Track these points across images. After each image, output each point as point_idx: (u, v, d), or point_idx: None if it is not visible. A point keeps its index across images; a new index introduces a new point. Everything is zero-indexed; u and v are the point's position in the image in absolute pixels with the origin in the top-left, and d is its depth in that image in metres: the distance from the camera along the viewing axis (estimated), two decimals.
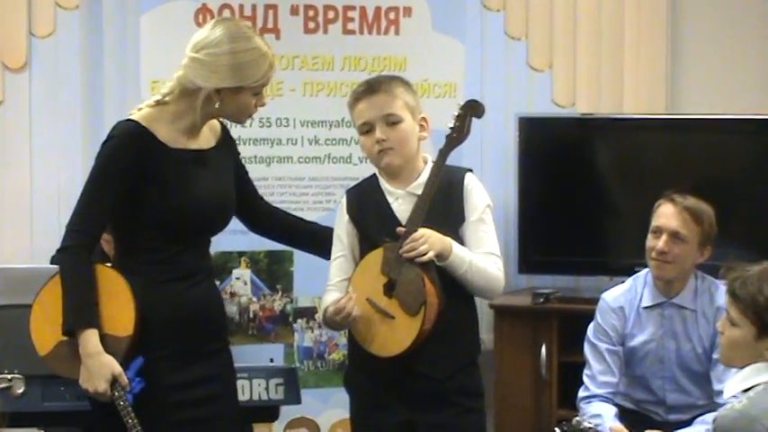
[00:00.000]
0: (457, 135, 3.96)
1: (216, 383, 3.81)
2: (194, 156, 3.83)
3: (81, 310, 3.64)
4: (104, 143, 3.79)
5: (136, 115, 3.83)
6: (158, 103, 3.81)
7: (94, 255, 3.81)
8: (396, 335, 3.87)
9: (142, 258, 3.80)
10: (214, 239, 4.02)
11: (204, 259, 3.95)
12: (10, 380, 3.98)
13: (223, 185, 3.91)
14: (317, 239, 4.18)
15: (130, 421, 3.59)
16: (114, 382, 3.60)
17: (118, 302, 3.72)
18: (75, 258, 3.70)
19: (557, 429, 4.24)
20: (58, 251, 3.72)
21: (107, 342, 3.65)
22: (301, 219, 4.26)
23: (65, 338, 3.65)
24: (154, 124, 3.80)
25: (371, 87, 4.00)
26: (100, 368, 3.61)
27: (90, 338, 3.61)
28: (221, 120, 3.97)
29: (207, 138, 3.91)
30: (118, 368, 3.61)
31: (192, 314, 3.79)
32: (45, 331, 3.73)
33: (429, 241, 3.83)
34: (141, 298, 3.72)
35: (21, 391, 4.00)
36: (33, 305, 3.77)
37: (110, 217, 3.79)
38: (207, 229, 3.91)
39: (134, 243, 3.82)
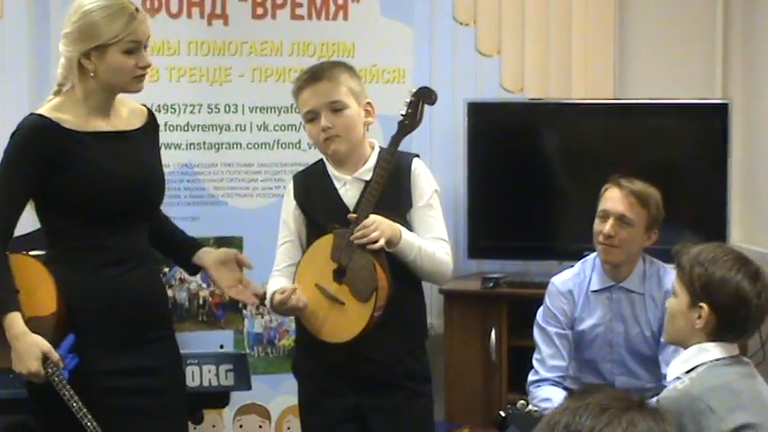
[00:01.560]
0: (410, 122, 3.95)
1: (156, 375, 3.77)
2: (106, 137, 3.82)
3: (0, 297, 3.65)
4: (11, 139, 3.81)
5: (42, 108, 3.84)
6: (59, 92, 3.83)
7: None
8: (346, 321, 3.88)
9: (69, 245, 3.80)
10: None
11: (139, 243, 3.88)
12: None
13: (143, 166, 3.86)
14: (179, 251, 4.14)
15: (67, 394, 3.59)
16: (46, 360, 3.59)
17: (37, 285, 3.74)
18: None
19: (501, 413, 4.28)
20: None
21: (33, 324, 3.65)
22: (176, 230, 4.14)
23: None
24: (58, 113, 3.81)
25: (315, 75, 4.00)
26: (28, 348, 3.60)
27: (14, 321, 3.62)
28: (147, 106, 3.97)
29: (127, 120, 3.91)
30: (46, 345, 3.60)
31: (125, 300, 3.77)
32: None
33: (380, 228, 3.84)
34: (71, 285, 3.72)
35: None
36: None
37: (22, 210, 3.80)
38: (126, 208, 3.83)
39: (59, 232, 3.82)
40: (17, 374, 3.80)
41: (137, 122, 3.92)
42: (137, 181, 3.82)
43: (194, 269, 4.12)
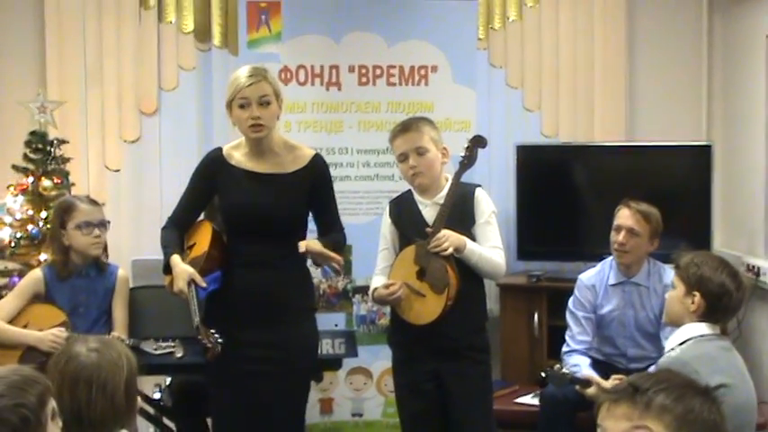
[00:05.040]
0: (467, 162, 3.98)
1: (275, 348, 3.78)
2: (246, 174, 3.84)
3: (165, 254, 3.82)
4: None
5: (228, 144, 3.95)
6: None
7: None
8: (427, 309, 3.89)
9: (227, 243, 3.91)
10: None
11: (266, 252, 3.83)
12: (173, 346, 4.02)
13: (265, 200, 3.81)
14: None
15: (194, 307, 3.66)
16: (191, 283, 3.67)
17: (201, 238, 3.88)
18: (164, 231, 3.90)
19: (542, 374, 4.28)
20: (161, 229, 3.94)
21: (193, 262, 3.77)
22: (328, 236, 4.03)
23: (170, 276, 3.79)
24: (233, 150, 3.89)
25: (405, 127, 4.01)
26: (179, 273, 3.71)
27: (174, 260, 3.76)
28: (318, 157, 3.94)
29: (281, 163, 3.88)
30: (193, 272, 3.71)
31: (247, 292, 3.80)
32: (166, 278, 3.86)
33: (449, 240, 3.85)
34: (229, 275, 3.82)
35: (180, 355, 4.03)
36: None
37: (195, 210, 3.97)
38: (246, 227, 3.84)
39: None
40: (194, 346, 3.90)
41: (290, 167, 3.87)
42: (254, 211, 3.81)
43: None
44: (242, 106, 3.74)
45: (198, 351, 3.93)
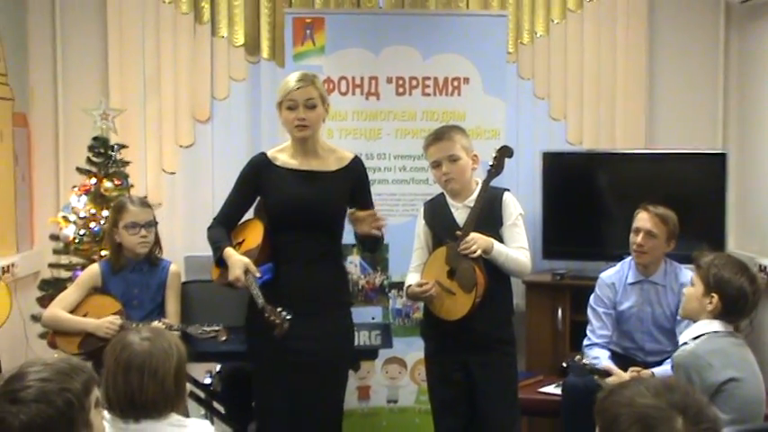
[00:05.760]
0: (495, 170, 4.00)
1: (311, 340, 3.79)
2: (292, 173, 3.88)
3: (216, 248, 3.84)
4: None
5: (272, 148, 4.01)
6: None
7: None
8: (457, 306, 3.92)
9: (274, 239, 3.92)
10: None
11: (309, 247, 3.87)
12: (217, 330, 4.06)
13: (312, 196, 3.85)
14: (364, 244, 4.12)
15: (255, 292, 3.71)
16: (247, 272, 3.71)
17: (254, 232, 3.91)
18: (211, 230, 3.93)
19: (564, 365, 4.28)
20: (207, 229, 3.97)
21: (248, 254, 3.80)
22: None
23: (220, 268, 3.84)
24: (278, 153, 3.94)
25: (438, 135, 4.04)
26: (236, 262, 3.74)
27: (228, 252, 3.79)
28: (357, 159, 4.01)
29: (325, 162, 3.93)
30: (248, 261, 3.75)
31: (290, 286, 3.83)
32: (214, 269, 3.91)
33: (478, 243, 3.87)
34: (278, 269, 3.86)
35: (223, 338, 4.07)
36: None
37: (240, 210, 3.99)
38: (292, 222, 3.86)
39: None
40: (239, 334, 3.96)
41: (333, 166, 3.93)
42: (296, 207, 3.84)
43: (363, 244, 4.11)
44: (290, 108, 3.81)
45: (242, 340, 4.00)
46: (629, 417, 1.99)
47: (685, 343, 3.45)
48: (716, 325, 3.44)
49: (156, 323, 4.02)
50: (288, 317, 3.62)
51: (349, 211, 3.90)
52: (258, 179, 3.91)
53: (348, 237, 4.12)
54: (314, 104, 3.82)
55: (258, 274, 3.73)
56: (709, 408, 2.03)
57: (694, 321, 3.53)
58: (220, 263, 3.83)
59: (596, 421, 2.06)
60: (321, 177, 3.89)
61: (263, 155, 3.96)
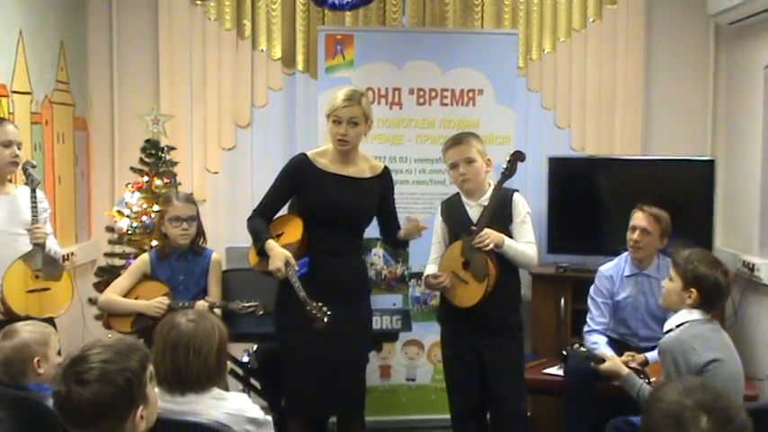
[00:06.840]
0: (508, 173, 3.99)
1: (337, 322, 3.75)
2: (333, 176, 3.89)
3: (259, 238, 3.82)
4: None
5: (313, 149, 4.00)
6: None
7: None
8: (470, 294, 3.93)
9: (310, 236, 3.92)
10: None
11: (340, 243, 3.90)
12: (255, 305, 4.09)
13: (351, 199, 3.89)
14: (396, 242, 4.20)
15: (296, 284, 3.70)
16: (287, 264, 3.71)
17: (294, 228, 3.90)
18: (252, 220, 3.90)
19: (564, 351, 4.29)
20: (247, 219, 3.95)
21: (288, 248, 3.80)
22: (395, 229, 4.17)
23: (260, 257, 3.83)
24: (318, 156, 3.94)
25: (456, 140, 4.05)
26: (277, 255, 3.75)
27: (269, 244, 3.79)
28: (387, 169, 4.05)
29: (361, 170, 3.97)
30: (288, 254, 3.76)
31: (322, 275, 3.84)
32: (253, 256, 3.90)
33: (490, 237, 3.88)
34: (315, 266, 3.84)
35: (261, 312, 4.10)
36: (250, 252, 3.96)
37: (278, 206, 3.98)
38: (329, 221, 3.88)
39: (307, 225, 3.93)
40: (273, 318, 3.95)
41: (368, 174, 3.98)
42: (334, 208, 3.87)
43: (395, 242, 4.20)
44: (335, 122, 3.85)
45: (269, 321, 4.04)
46: (661, 412, 2.03)
47: (670, 330, 3.48)
48: (695, 314, 3.49)
49: (200, 301, 4.08)
50: (328, 312, 3.64)
51: (404, 228, 4.00)
52: (299, 178, 3.93)
53: (372, 231, 4.15)
54: (356, 122, 3.85)
55: (297, 268, 3.76)
56: (739, 411, 2.03)
57: (674, 312, 3.56)
58: (261, 252, 3.86)
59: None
60: (357, 183, 3.94)
61: (305, 155, 3.97)
